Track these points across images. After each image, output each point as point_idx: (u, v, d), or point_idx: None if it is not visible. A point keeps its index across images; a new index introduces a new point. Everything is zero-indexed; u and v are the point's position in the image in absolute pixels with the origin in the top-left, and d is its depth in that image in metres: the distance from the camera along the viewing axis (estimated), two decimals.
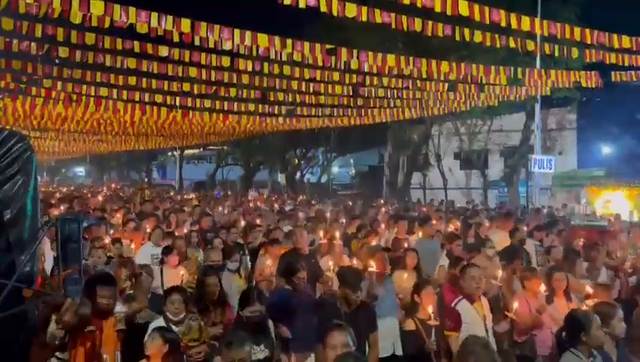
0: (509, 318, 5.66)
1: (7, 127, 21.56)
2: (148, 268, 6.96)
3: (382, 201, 22.22)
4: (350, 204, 20.15)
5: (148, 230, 9.70)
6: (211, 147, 46.21)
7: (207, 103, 15.74)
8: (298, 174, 41.68)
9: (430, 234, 9.43)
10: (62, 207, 13.37)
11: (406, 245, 8.64)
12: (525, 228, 10.17)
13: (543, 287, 5.84)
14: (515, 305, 5.58)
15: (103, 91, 13.69)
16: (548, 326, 5.81)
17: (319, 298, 6.63)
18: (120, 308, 5.12)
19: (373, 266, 6.08)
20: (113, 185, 37.81)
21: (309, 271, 6.31)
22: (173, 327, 4.98)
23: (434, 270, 8.03)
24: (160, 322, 5.04)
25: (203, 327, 5.14)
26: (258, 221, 12.23)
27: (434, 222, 10.50)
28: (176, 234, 9.65)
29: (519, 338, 5.93)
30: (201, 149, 51.10)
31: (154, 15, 7.97)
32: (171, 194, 28.00)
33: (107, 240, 9.10)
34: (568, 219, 14.58)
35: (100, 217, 11.70)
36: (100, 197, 20.26)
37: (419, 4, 7.21)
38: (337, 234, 8.48)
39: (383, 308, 6.05)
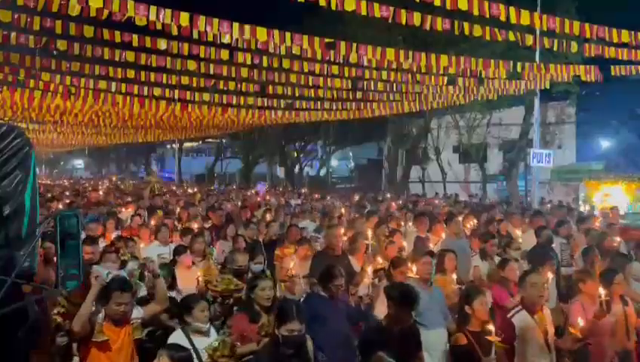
0: (574, 334, 5.01)
1: (5, 119, 21.53)
2: (167, 268, 6.51)
3: (388, 195, 21.91)
4: (357, 198, 19.59)
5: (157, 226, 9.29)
6: (210, 140, 46.21)
7: (206, 97, 15.73)
8: (297, 167, 41.71)
9: (456, 232, 8.56)
10: (66, 201, 13.29)
11: (431, 245, 8.11)
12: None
13: (601, 291, 5.20)
14: (580, 321, 4.93)
15: (102, 84, 13.66)
16: (605, 333, 5.34)
17: (365, 322, 5.74)
18: (137, 314, 4.83)
19: (413, 272, 5.57)
20: (114, 179, 37.42)
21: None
22: (197, 340, 4.60)
23: (465, 272, 7.31)
24: (179, 335, 4.65)
25: (235, 344, 4.59)
26: (268, 216, 11.81)
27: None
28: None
29: (572, 347, 5.36)
30: (200, 142, 51.12)
31: (152, 8, 7.96)
32: (173, 188, 27.76)
33: (113, 234, 8.96)
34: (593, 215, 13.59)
35: (109, 211, 11.45)
36: (101, 192, 19.88)
37: None
38: (369, 233, 7.60)
39: (430, 318, 5.46)
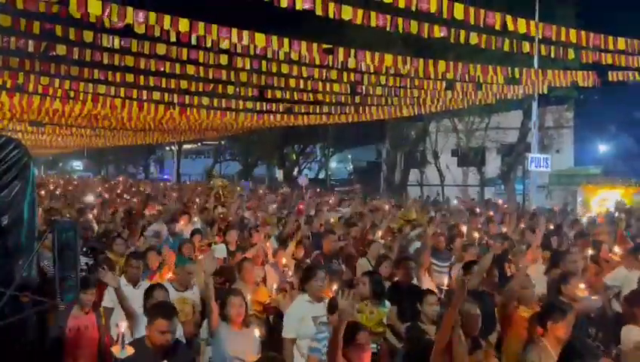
0: None
1: (5, 122, 21.55)
2: None
3: (462, 203, 17.76)
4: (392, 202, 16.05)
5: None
6: (209, 142, 46.24)
7: (205, 100, 15.77)
8: (296, 170, 41.75)
9: None
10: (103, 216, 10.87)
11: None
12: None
13: None
14: None
15: (101, 88, 13.70)
16: None
17: None
18: None
19: None
20: (128, 184, 34.30)
21: None
22: None
23: None
24: None
25: None
26: (379, 234, 8.40)
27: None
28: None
29: None
30: (199, 144, 51.14)
31: (152, 15, 8.00)
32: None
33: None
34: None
35: (194, 231, 8.02)
36: (134, 198, 15.90)
37: (414, 8, 7.22)
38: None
39: None
